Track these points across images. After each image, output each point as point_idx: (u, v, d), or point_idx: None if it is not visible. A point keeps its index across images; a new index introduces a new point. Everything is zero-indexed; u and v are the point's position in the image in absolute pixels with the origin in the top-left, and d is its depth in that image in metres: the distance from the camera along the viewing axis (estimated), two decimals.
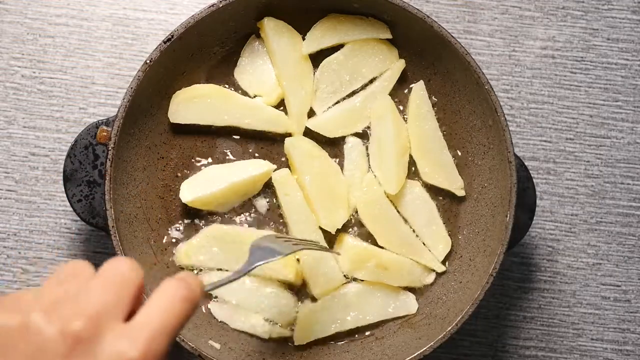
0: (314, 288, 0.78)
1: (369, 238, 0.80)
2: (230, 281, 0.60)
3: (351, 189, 0.79)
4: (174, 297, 0.47)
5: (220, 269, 0.78)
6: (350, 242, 0.78)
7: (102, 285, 0.46)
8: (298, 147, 0.78)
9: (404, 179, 0.79)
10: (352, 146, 0.80)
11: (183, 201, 0.77)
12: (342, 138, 0.81)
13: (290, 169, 0.80)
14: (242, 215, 0.80)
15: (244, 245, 0.76)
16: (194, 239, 0.78)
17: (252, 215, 0.80)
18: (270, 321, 0.78)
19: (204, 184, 0.78)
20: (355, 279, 0.79)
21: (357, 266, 0.78)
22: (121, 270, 0.47)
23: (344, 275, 0.79)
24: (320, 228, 0.78)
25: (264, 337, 0.78)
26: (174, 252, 0.79)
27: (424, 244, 0.79)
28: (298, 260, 0.78)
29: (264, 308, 0.77)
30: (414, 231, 0.80)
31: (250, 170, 0.78)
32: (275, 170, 0.79)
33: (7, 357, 0.43)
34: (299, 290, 0.80)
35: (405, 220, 0.80)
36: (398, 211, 0.80)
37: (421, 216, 0.79)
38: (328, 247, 0.77)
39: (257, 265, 0.65)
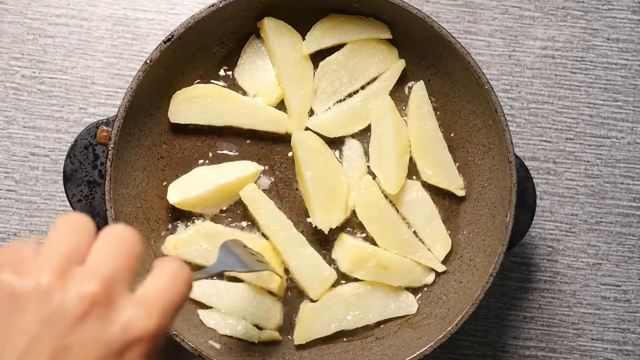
0: (310, 292, 0.78)
1: (369, 238, 0.80)
2: (200, 279, 0.64)
3: (350, 190, 0.80)
4: (178, 276, 0.47)
5: (202, 267, 0.78)
6: (350, 242, 0.78)
7: (109, 249, 0.45)
8: (304, 142, 0.78)
9: (404, 179, 0.79)
10: (351, 148, 0.80)
11: (170, 202, 0.77)
12: (342, 139, 0.81)
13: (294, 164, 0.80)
14: (239, 215, 0.80)
15: None
16: (185, 232, 0.78)
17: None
18: (258, 327, 0.78)
19: (191, 186, 0.78)
20: (356, 279, 0.79)
21: (357, 266, 0.78)
22: (126, 238, 0.46)
23: (343, 275, 0.79)
24: (314, 227, 0.78)
25: (254, 342, 0.78)
26: (163, 244, 0.79)
27: (424, 244, 0.79)
28: (287, 272, 0.79)
29: (251, 313, 0.77)
30: (414, 232, 0.80)
31: (237, 171, 0.78)
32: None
33: (21, 321, 0.42)
34: (298, 292, 0.80)
35: (405, 221, 0.80)
36: (398, 211, 0.80)
37: (421, 216, 0.79)
38: (277, 272, 0.77)
39: (225, 271, 0.69)
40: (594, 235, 0.87)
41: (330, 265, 0.79)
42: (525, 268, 0.87)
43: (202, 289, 0.78)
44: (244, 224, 0.80)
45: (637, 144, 0.89)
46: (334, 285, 0.79)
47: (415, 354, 0.73)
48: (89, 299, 0.42)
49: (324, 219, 0.77)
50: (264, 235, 0.79)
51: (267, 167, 0.80)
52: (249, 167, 0.79)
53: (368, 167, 0.80)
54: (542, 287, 0.87)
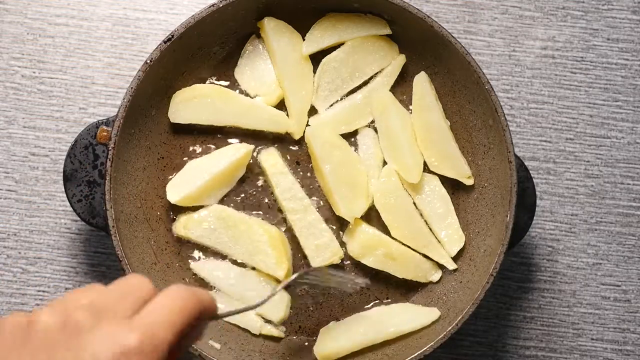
0: (311, 259, 0.78)
1: (384, 228, 0.80)
2: (242, 311, 0.61)
3: (369, 178, 0.80)
4: (177, 297, 0.48)
5: (209, 248, 0.79)
6: (362, 227, 0.78)
7: (108, 288, 0.48)
8: (319, 136, 0.78)
9: (422, 166, 0.79)
10: (366, 136, 0.80)
11: (171, 202, 0.77)
12: (350, 133, 0.81)
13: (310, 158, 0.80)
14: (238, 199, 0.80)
15: (243, 233, 0.77)
16: (197, 213, 0.78)
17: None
18: (262, 317, 0.78)
19: (188, 181, 0.78)
20: (379, 301, 0.79)
21: (366, 252, 0.78)
22: (131, 280, 0.49)
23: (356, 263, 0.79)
24: (338, 217, 0.79)
25: (255, 333, 0.78)
26: (173, 226, 0.79)
27: (437, 239, 0.79)
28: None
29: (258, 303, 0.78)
30: (429, 227, 0.80)
31: (229, 155, 0.78)
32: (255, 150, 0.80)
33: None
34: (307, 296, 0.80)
35: (421, 215, 0.80)
36: (415, 205, 0.80)
37: (438, 210, 0.79)
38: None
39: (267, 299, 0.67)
40: (594, 235, 0.87)
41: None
42: (525, 268, 0.87)
43: (211, 271, 0.78)
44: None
45: (637, 144, 0.89)
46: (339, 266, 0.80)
47: (415, 354, 0.73)
48: (72, 324, 0.45)
49: (348, 209, 0.77)
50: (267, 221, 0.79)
51: None
52: (240, 149, 0.79)
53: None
54: (542, 287, 0.87)
